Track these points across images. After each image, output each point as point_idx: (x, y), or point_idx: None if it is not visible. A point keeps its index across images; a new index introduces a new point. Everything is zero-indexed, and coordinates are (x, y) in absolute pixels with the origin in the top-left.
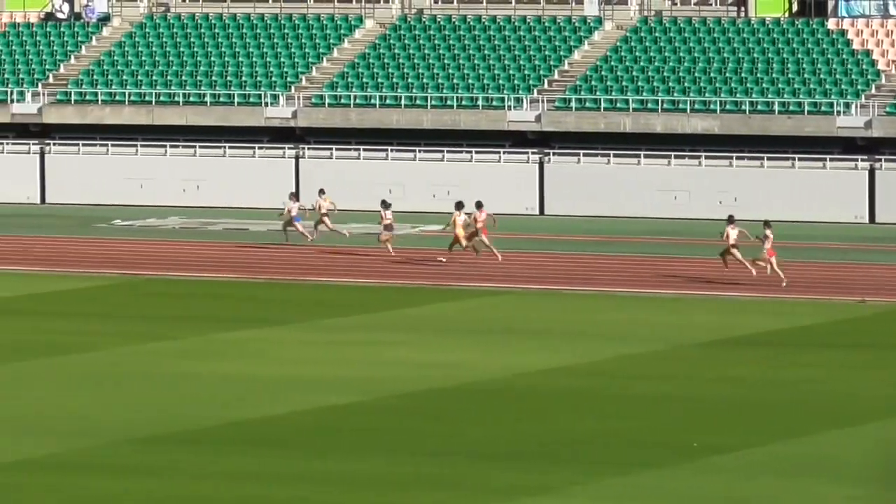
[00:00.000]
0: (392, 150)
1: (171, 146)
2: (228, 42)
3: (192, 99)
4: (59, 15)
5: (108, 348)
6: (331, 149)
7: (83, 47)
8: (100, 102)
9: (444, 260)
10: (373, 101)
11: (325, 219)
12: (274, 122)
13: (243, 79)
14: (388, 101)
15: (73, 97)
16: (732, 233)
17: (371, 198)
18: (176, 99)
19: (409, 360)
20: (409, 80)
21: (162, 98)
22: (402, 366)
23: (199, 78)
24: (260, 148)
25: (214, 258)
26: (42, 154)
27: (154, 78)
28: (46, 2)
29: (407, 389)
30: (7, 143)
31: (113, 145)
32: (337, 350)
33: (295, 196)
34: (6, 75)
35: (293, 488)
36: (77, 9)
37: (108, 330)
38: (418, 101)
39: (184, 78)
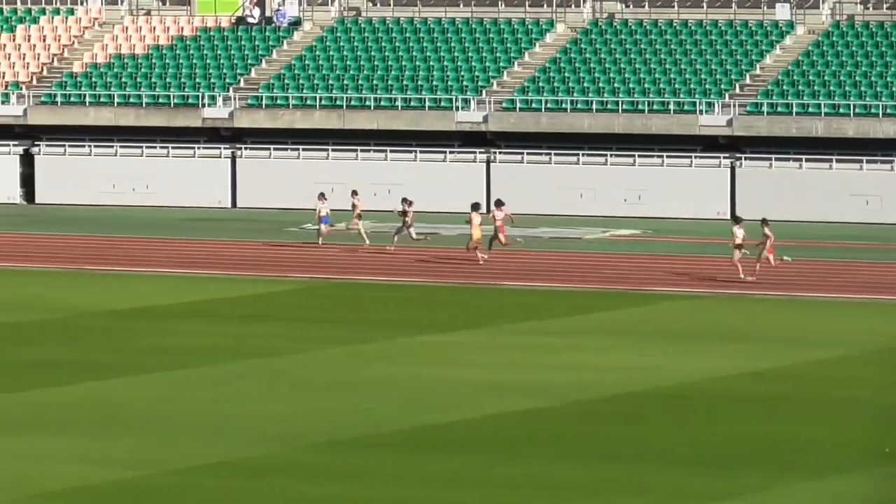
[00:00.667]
0: (583, 155)
1: (363, 150)
2: (419, 46)
3: (382, 103)
4: (250, 19)
5: (303, 352)
6: (522, 153)
7: (274, 52)
8: (290, 107)
9: (486, 257)
10: (564, 105)
11: (358, 220)
12: (464, 126)
13: (434, 83)
14: (579, 106)
15: (263, 101)
16: (739, 232)
17: (561, 203)
18: (367, 103)
19: (600, 365)
20: (600, 85)
21: (353, 102)
22: (593, 370)
23: (389, 82)
24: (451, 152)
25: (400, 263)
26: (234, 158)
27: (345, 82)
28: (238, 6)
29: (598, 394)
30: (199, 148)
31: (304, 149)
32: (528, 354)
33: (324, 196)
34: (197, 80)
35: (487, 493)
36: (268, 13)
37: (301, 334)
38: (609, 106)
39: (375, 82)
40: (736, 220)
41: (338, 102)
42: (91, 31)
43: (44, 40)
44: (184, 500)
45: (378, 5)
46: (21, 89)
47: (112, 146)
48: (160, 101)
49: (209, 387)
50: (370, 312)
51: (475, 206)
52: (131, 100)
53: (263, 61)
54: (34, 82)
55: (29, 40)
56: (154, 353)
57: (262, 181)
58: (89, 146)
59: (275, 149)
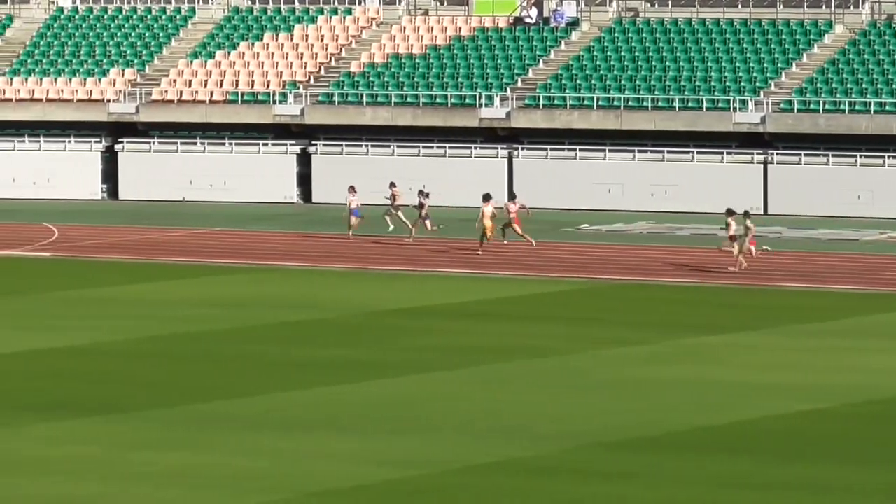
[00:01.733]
0: (861, 157)
1: (640, 151)
2: (697, 47)
3: (660, 104)
4: (528, 20)
5: (578, 352)
6: (799, 154)
7: (552, 52)
8: (568, 107)
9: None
10: (842, 106)
11: (396, 211)
12: (742, 127)
13: (712, 84)
14: (856, 107)
15: (541, 102)
16: (734, 224)
17: (839, 204)
18: (644, 104)
19: (880, 367)
20: (879, 87)
21: (630, 103)
22: (873, 372)
23: (667, 83)
24: (728, 153)
25: (681, 263)
26: (510, 158)
27: (622, 83)
28: (515, 7)
29: (878, 396)
30: (475, 148)
31: (581, 150)
32: (806, 356)
33: (353, 189)
34: (475, 80)
35: (763, 495)
36: (546, 13)
37: (577, 334)
38: (888, 107)
39: (652, 83)
40: (729, 212)
41: (615, 103)
42: (369, 30)
43: (321, 40)
44: (459, 500)
45: (656, 6)
46: (298, 89)
47: (389, 146)
48: (437, 101)
49: (487, 386)
50: (643, 314)
51: (486, 197)
52: (408, 99)
53: (541, 61)
54: (311, 82)
55: (307, 40)
56: (435, 352)
57: (538, 181)
58: (366, 146)
59: (551, 149)
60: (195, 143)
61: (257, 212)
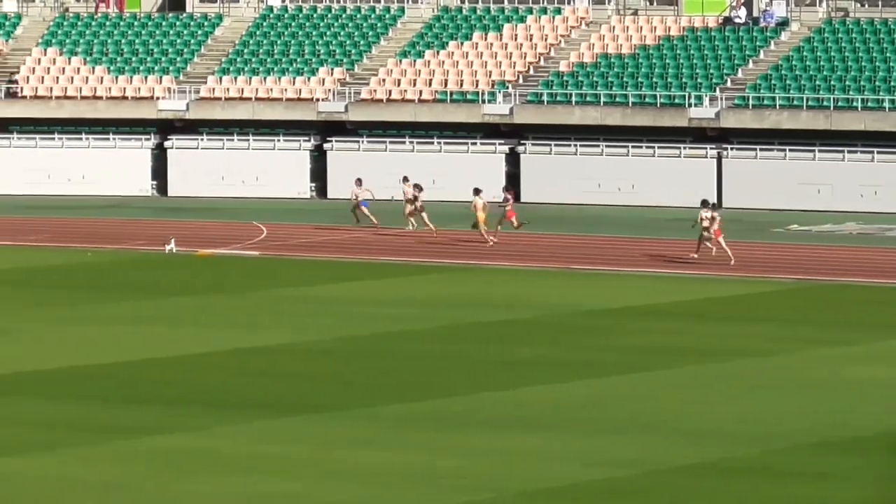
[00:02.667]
0: None
1: (849, 151)
2: None
3: (870, 104)
4: (737, 20)
5: (784, 353)
6: None
7: (761, 52)
8: (777, 107)
9: (495, 240)
10: None
11: (409, 206)
12: None
13: None
14: None
15: (750, 102)
16: (706, 214)
17: None
18: (854, 104)
19: None
20: None
21: (840, 103)
22: None
23: (877, 83)
24: None
25: (891, 264)
26: (719, 158)
27: (832, 83)
28: (725, 6)
29: None
30: (685, 148)
31: (790, 150)
32: None
33: (360, 182)
34: (684, 80)
35: None
36: (755, 13)
37: (784, 335)
38: None
39: (862, 83)
40: (703, 204)
41: (825, 103)
42: (578, 30)
43: (530, 39)
44: (662, 500)
45: (866, 6)
46: (507, 88)
47: (598, 146)
48: (646, 100)
49: (690, 387)
50: (850, 314)
51: (476, 191)
52: (617, 99)
53: (750, 61)
54: (520, 81)
55: (516, 39)
56: (638, 353)
57: (747, 181)
58: (574, 145)
59: (760, 149)
60: (404, 143)
61: (464, 211)
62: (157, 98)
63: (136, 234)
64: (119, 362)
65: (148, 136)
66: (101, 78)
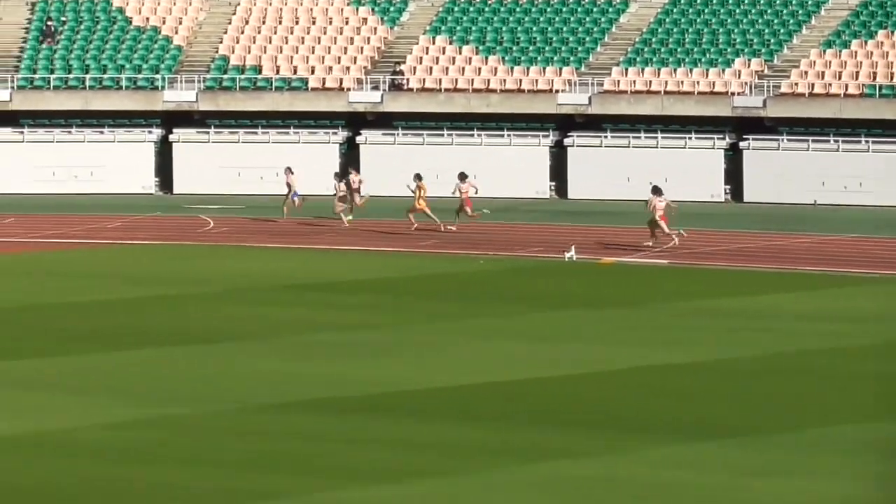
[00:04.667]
0: None
1: None
2: None
3: None
4: None
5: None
6: None
7: None
8: None
9: (453, 228)
10: None
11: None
12: None
13: None
14: None
15: None
16: (660, 204)
17: None
18: None
19: None
20: None
21: None
22: None
23: None
24: None
25: None
26: None
27: None
28: None
29: None
30: None
31: None
32: None
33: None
34: None
35: None
36: None
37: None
38: None
39: None
40: (655, 190)
41: None
42: None
43: None
44: None
45: None
46: None
47: None
48: None
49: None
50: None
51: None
52: None
53: None
54: None
55: None
56: None
57: None
58: None
59: None
60: (828, 142)
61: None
62: (556, 91)
63: (531, 240)
64: (513, 380)
65: (546, 133)
66: (495, 69)
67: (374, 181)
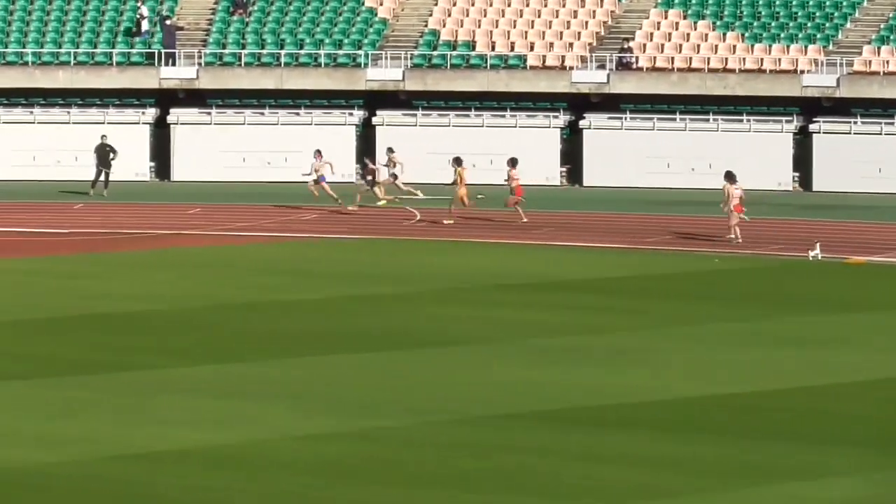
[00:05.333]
0: None
1: None
2: None
3: None
4: None
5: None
6: None
7: None
8: None
9: (451, 222)
10: None
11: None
12: None
13: None
14: None
15: None
16: (736, 192)
17: None
18: None
19: None
20: None
21: None
22: None
23: None
24: None
25: None
26: None
27: None
28: None
29: None
30: None
31: None
32: None
33: (320, 154)
34: None
35: None
36: None
37: None
38: None
39: None
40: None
41: None
42: None
43: None
44: None
45: None
46: None
47: None
48: None
49: None
50: None
51: (458, 161)
52: None
53: None
54: None
55: None
56: None
57: None
58: None
59: None
60: None
61: None
62: (801, 72)
63: (770, 237)
64: (756, 391)
65: (790, 118)
66: (733, 47)
67: (599, 171)
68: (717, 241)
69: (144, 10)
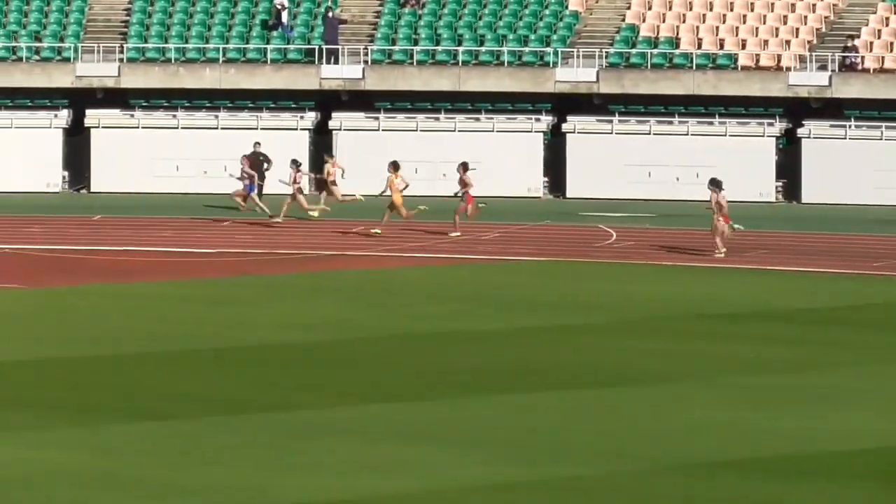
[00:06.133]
0: None
1: None
2: None
3: None
4: None
5: None
6: None
7: None
8: None
9: (379, 232)
10: None
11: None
12: None
13: None
14: None
15: None
16: (723, 200)
17: None
18: None
19: None
20: None
21: None
22: None
23: None
24: None
25: None
26: None
27: None
28: None
29: None
30: None
31: None
32: None
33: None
34: None
35: None
36: None
37: None
38: None
39: None
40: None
41: None
42: None
43: None
44: None
45: None
46: None
47: None
48: None
49: None
50: None
51: (395, 166)
52: None
53: None
54: None
55: None
56: None
57: None
58: None
59: None
60: None
61: None
62: None
63: None
64: None
65: None
66: None
67: (820, 186)
68: None
69: (284, 0)
